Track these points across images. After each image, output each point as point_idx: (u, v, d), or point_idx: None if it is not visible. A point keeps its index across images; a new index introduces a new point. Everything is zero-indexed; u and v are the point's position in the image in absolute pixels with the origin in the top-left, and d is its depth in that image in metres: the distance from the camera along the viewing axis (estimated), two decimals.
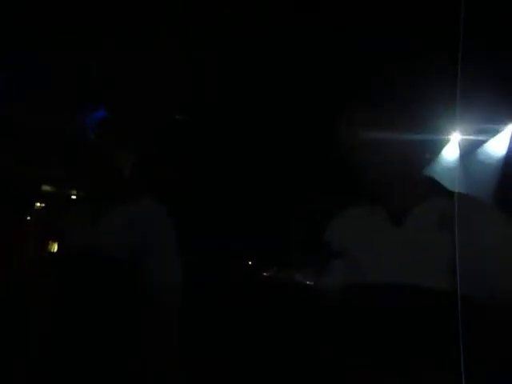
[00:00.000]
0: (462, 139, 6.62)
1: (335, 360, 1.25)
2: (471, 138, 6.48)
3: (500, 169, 6.22)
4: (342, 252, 1.30)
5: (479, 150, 6.72)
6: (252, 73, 5.90)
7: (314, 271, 1.43)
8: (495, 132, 6.40)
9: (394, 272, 1.16)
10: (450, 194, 1.21)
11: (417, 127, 1.42)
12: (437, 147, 6.78)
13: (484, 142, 6.54)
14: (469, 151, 6.76)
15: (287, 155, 7.88)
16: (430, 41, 4.20)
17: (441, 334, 1.08)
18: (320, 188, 7.21)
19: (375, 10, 4.38)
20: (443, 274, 1.07)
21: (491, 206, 1.21)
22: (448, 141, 6.71)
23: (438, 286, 1.07)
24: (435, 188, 1.26)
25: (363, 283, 1.22)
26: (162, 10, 5.16)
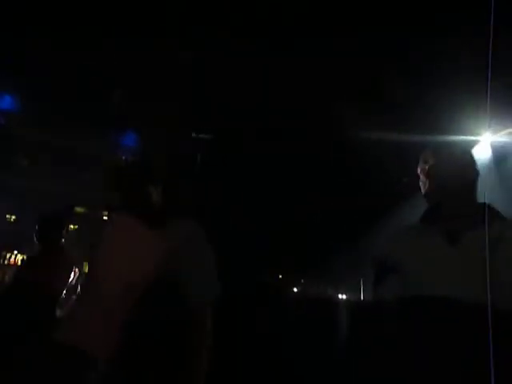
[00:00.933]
0: (494, 140, 6.47)
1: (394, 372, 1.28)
2: (503, 139, 6.34)
3: None
4: (399, 267, 1.38)
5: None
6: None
7: (370, 287, 1.45)
8: None
9: (450, 287, 1.26)
10: (503, 220, 1.31)
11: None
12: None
13: None
14: (501, 152, 6.61)
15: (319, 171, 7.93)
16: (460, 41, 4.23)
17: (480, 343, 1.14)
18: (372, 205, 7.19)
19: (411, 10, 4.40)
20: (499, 294, 1.18)
21: None
22: (479, 142, 6.58)
23: (492, 304, 1.16)
24: (490, 213, 1.35)
25: (420, 297, 1.30)
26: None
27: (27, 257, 2.62)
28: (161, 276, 1.63)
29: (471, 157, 1.48)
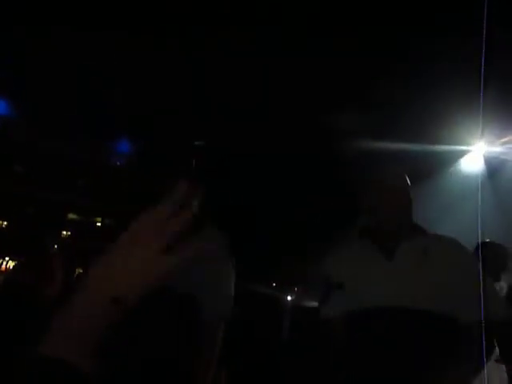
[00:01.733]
0: (487, 151, 6.46)
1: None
2: (496, 149, 6.34)
3: None
4: (344, 282, 1.47)
5: (503, 162, 6.59)
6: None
7: (319, 299, 1.52)
8: None
9: (389, 298, 1.37)
10: (427, 234, 1.50)
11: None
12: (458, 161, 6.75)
13: (509, 153, 6.39)
14: (493, 162, 6.62)
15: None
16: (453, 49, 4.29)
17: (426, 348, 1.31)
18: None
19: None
20: (429, 299, 1.33)
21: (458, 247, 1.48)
22: (472, 152, 6.59)
23: (425, 308, 1.33)
24: (417, 229, 1.54)
25: (363, 309, 1.40)
26: None
27: (17, 262, 2.58)
28: (173, 288, 1.64)
29: (405, 182, 1.57)
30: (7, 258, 11.04)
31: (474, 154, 6.43)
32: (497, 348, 1.39)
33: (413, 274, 1.40)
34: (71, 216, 19.28)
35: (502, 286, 2.56)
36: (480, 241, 2.42)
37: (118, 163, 16.22)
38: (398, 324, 1.35)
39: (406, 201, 1.53)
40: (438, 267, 1.39)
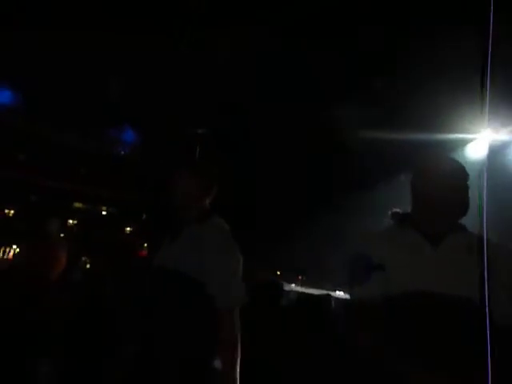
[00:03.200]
0: (492, 138, 6.41)
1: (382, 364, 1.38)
2: (501, 137, 6.29)
3: None
4: (384, 264, 1.46)
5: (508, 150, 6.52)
6: None
7: (353, 282, 1.49)
8: None
9: (431, 284, 1.40)
10: (470, 232, 1.52)
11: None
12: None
13: None
14: (498, 150, 6.58)
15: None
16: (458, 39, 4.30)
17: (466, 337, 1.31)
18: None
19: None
20: (471, 289, 1.32)
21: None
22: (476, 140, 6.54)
23: (467, 297, 1.36)
24: (462, 226, 1.56)
25: (404, 292, 1.40)
26: None
27: (21, 247, 2.61)
28: (187, 276, 1.69)
29: (463, 174, 1.57)
30: (14, 246, 11.16)
31: (480, 142, 6.39)
32: None
33: (457, 267, 1.42)
34: (77, 205, 19.40)
35: None
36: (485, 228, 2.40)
37: (122, 152, 16.23)
38: (439, 310, 1.38)
39: (463, 194, 1.50)
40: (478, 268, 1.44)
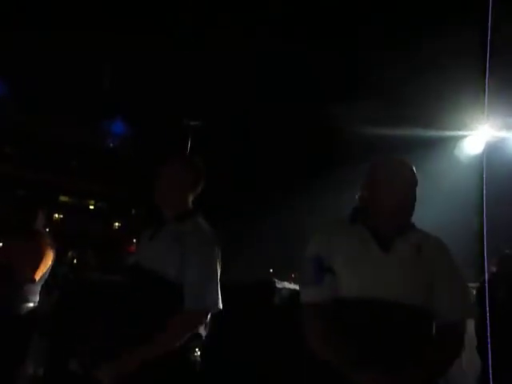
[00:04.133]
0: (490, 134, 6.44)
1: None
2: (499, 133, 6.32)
3: None
4: (333, 266, 1.48)
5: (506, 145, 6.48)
6: None
7: (305, 284, 1.51)
8: None
9: (381, 290, 1.43)
10: (419, 231, 1.57)
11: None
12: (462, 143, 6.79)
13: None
14: (496, 146, 6.62)
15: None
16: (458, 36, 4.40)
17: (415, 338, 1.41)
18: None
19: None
20: (418, 296, 1.43)
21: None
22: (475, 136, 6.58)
23: (413, 304, 1.41)
24: (411, 225, 1.59)
25: (353, 297, 1.43)
26: None
27: (6, 243, 2.55)
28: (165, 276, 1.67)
29: (415, 177, 1.59)
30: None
31: (478, 138, 6.41)
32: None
33: (406, 270, 1.46)
34: (63, 198, 19.24)
35: None
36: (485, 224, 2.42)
37: (112, 144, 16.09)
38: (386, 317, 1.40)
39: (412, 197, 1.53)
40: (427, 266, 1.48)
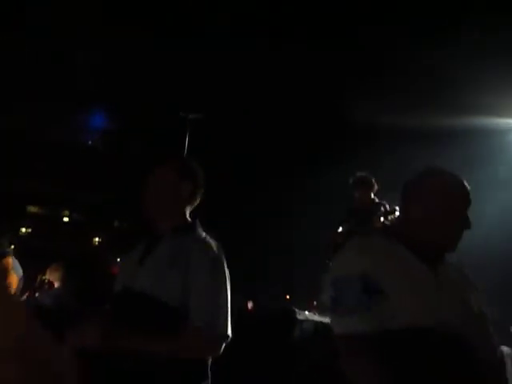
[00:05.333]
0: None
1: None
2: None
3: None
4: (384, 289, 1.48)
5: None
6: None
7: (342, 310, 1.48)
8: None
9: (438, 318, 1.43)
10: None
11: None
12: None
13: None
14: None
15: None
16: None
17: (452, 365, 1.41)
18: None
19: None
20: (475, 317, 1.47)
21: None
22: None
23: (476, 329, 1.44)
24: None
25: (411, 327, 1.42)
26: None
27: None
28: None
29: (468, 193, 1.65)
30: None
31: None
32: None
33: (458, 293, 1.51)
34: (31, 209, 19.39)
35: None
36: None
37: (91, 142, 16.24)
38: (470, 352, 1.40)
39: (465, 219, 1.58)
40: (473, 290, 1.56)
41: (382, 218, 5.74)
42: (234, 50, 6.54)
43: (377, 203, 6.16)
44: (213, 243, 1.86)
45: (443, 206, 1.55)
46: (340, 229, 6.78)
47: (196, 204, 2.00)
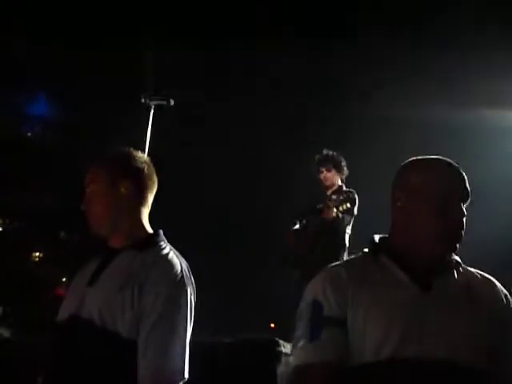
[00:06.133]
0: None
1: None
2: None
3: None
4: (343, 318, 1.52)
5: None
6: None
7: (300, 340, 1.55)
8: None
9: (428, 345, 1.48)
10: (465, 268, 1.67)
11: None
12: None
13: None
14: None
15: None
16: None
17: None
18: None
19: None
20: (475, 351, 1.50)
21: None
22: None
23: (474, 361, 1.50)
24: (455, 261, 1.67)
25: (385, 359, 1.47)
26: None
27: None
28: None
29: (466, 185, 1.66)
30: None
31: None
32: None
33: (459, 319, 1.52)
34: None
35: None
36: None
37: (30, 133, 16.08)
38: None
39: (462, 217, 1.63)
40: (484, 314, 1.56)
41: (334, 210, 5.67)
42: None
43: (345, 191, 6.09)
44: (176, 262, 1.85)
45: (424, 203, 1.57)
46: (296, 226, 6.75)
47: (149, 204, 1.98)
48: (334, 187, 6.25)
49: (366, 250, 1.74)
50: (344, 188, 6.25)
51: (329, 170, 6.17)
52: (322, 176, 6.21)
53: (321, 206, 6.09)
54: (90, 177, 1.93)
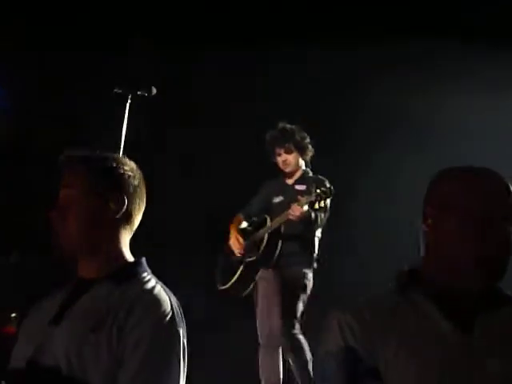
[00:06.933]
0: None
1: None
2: None
3: None
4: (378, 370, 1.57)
5: None
6: None
7: None
8: None
9: None
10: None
11: None
12: None
13: None
14: None
15: None
16: None
17: None
18: None
19: None
20: None
21: None
22: None
23: None
24: (502, 296, 1.73)
25: None
26: None
27: None
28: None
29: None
30: None
31: None
32: None
33: (502, 366, 1.56)
34: None
35: None
36: None
37: None
38: None
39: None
40: None
41: (305, 207, 4.83)
42: None
43: (314, 179, 5.22)
44: (165, 298, 1.77)
45: (460, 222, 1.53)
46: (244, 225, 6.10)
47: (134, 229, 1.93)
48: (298, 174, 5.42)
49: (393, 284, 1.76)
50: (310, 174, 5.43)
51: (289, 152, 5.23)
52: (280, 160, 5.29)
53: (279, 200, 5.35)
54: (69, 177, 1.85)
